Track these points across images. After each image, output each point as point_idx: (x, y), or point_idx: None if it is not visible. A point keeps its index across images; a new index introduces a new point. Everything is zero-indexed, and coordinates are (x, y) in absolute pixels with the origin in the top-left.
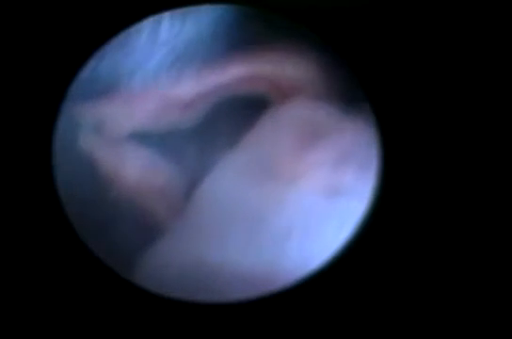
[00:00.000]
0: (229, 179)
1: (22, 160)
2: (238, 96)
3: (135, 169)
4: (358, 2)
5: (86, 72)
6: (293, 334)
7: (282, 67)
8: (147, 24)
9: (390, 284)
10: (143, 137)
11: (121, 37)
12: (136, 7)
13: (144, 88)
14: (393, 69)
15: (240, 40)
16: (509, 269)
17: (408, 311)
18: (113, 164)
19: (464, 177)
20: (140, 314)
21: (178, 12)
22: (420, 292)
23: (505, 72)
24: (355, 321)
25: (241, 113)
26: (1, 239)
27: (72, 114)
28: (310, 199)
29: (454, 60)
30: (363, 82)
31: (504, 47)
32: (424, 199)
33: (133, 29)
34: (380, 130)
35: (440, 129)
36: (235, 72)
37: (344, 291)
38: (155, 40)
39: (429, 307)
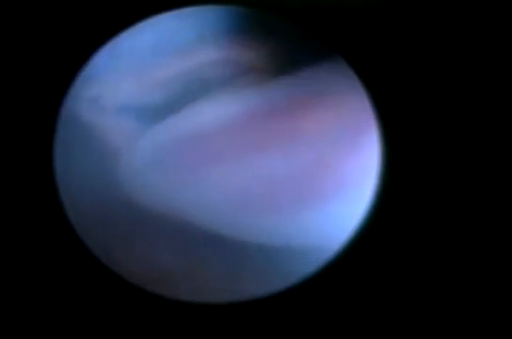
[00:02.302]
0: None
1: (22, 159)
2: (209, 78)
3: (121, 137)
4: (358, 2)
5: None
6: (293, 334)
7: (254, 52)
8: (146, 25)
9: (390, 284)
10: (129, 110)
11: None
12: (136, 7)
13: (132, 70)
14: (395, 68)
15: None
16: (509, 269)
17: (408, 311)
18: (105, 132)
19: (466, 174)
20: (139, 314)
21: (176, 12)
22: (420, 292)
23: (506, 70)
24: (355, 321)
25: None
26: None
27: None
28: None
29: (453, 58)
30: (365, 81)
31: (505, 47)
32: (426, 197)
33: (132, 29)
34: (382, 128)
35: (443, 128)
36: (206, 57)
37: (345, 291)
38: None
39: (429, 307)
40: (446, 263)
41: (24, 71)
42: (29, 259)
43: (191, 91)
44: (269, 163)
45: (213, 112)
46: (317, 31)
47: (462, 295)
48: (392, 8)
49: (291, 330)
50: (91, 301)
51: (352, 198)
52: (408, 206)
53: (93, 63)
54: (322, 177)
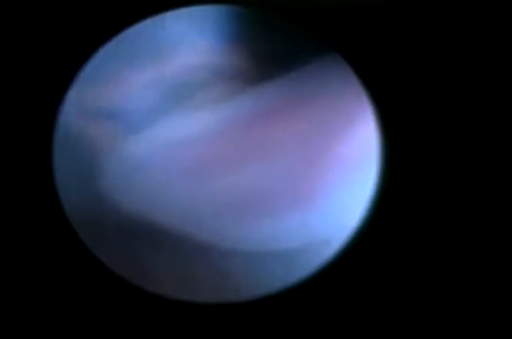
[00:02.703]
0: None
1: (22, 159)
2: (189, 82)
3: (106, 141)
4: (357, 2)
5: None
6: (293, 334)
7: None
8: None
9: (390, 284)
10: (111, 113)
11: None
12: (136, 7)
13: (119, 74)
14: (396, 68)
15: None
16: (509, 269)
17: (408, 311)
18: (91, 136)
19: (466, 173)
20: (139, 314)
21: (176, 12)
22: (420, 292)
23: (506, 68)
24: (355, 321)
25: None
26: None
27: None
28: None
29: (452, 57)
30: (367, 82)
31: (504, 46)
32: (426, 196)
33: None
34: (383, 128)
35: (442, 125)
36: (198, 60)
37: (345, 291)
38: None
39: (429, 307)
40: (447, 263)
41: (21, 71)
42: (29, 259)
43: (180, 96)
44: (261, 166)
45: (205, 116)
46: (316, 30)
47: (462, 294)
48: (391, 8)
49: (290, 331)
50: (91, 301)
51: (350, 197)
52: (408, 206)
53: (86, 67)
54: (318, 177)
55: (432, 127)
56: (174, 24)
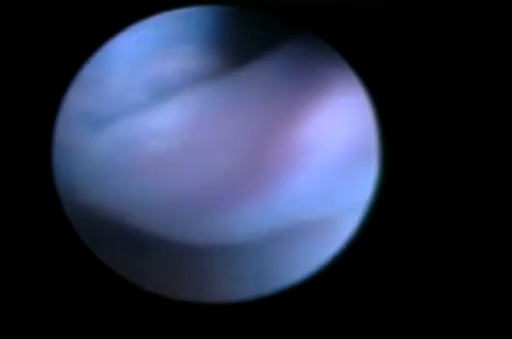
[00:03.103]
0: None
1: (21, 159)
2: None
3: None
4: (357, 2)
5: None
6: (293, 335)
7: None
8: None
9: (390, 285)
10: (92, 119)
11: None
12: (135, 7)
13: (93, 81)
14: (396, 68)
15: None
16: (509, 269)
17: (408, 311)
18: (63, 138)
19: (467, 176)
20: (139, 314)
21: (171, 13)
22: (420, 292)
23: (506, 67)
24: (355, 321)
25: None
26: None
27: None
28: None
29: (452, 57)
30: (366, 81)
31: (504, 46)
32: (426, 199)
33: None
34: (382, 130)
35: (440, 121)
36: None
37: (345, 291)
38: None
39: (429, 307)
40: (447, 263)
41: (16, 73)
42: (29, 259)
43: (159, 96)
44: (215, 158)
45: (171, 110)
46: (314, 29)
47: (462, 293)
48: (391, 8)
49: (291, 331)
50: (91, 301)
51: (308, 192)
52: (408, 207)
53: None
54: (273, 168)
55: (431, 125)
56: (160, 27)
